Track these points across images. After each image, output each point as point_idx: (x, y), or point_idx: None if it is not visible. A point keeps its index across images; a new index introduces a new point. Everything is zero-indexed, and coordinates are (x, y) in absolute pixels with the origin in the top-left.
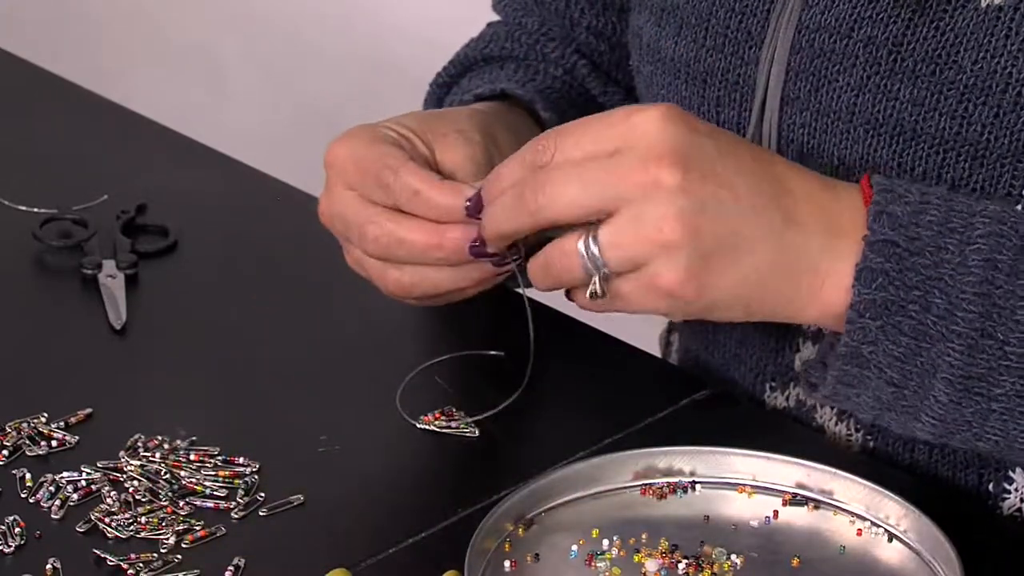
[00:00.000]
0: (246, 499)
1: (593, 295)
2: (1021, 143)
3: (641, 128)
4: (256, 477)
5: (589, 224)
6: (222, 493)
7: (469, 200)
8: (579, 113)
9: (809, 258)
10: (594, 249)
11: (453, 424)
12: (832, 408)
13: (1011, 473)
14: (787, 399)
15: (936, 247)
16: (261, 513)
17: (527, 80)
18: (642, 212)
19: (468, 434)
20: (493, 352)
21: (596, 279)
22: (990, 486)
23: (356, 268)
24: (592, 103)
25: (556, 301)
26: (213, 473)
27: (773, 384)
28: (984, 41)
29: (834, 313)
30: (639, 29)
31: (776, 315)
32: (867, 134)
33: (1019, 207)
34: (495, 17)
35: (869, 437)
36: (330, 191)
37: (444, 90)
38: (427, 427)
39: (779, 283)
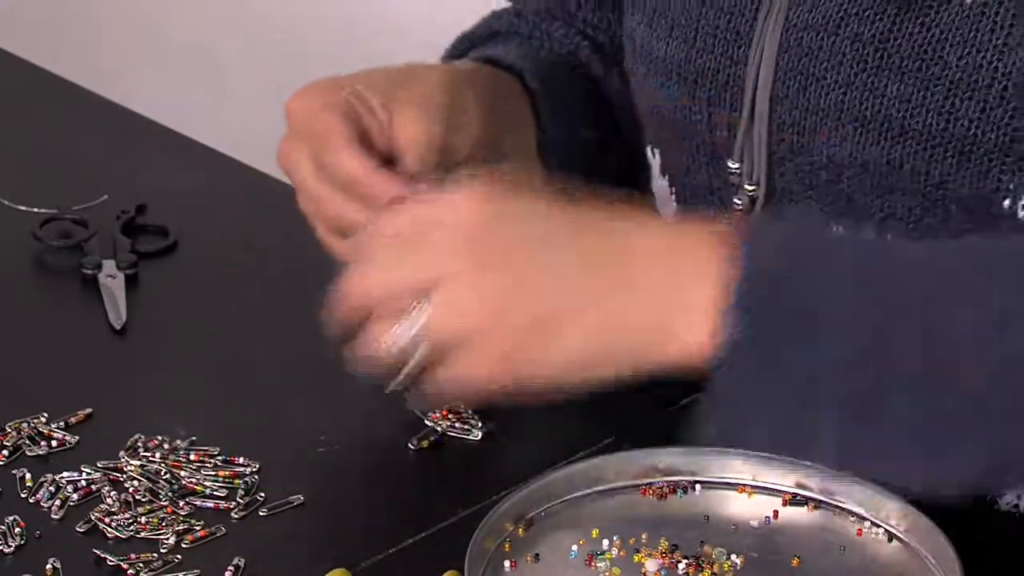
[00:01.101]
0: (246, 499)
1: (399, 384)
2: (1007, 138)
3: (450, 212)
4: (256, 477)
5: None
6: (222, 493)
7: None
8: (575, 90)
9: (652, 311)
10: (404, 336)
11: (458, 424)
12: None
13: None
14: None
15: (812, 271)
16: (261, 513)
17: (527, 55)
18: (448, 299)
19: (473, 436)
20: None
21: (406, 368)
22: None
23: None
24: (594, 83)
25: None
26: (213, 473)
27: None
28: (969, 36)
29: (705, 354)
30: (632, 31)
31: (631, 368)
32: (856, 131)
33: (1006, 203)
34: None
35: None
36: (288, 140)
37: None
38: (436, 424)
39: (617, 344)
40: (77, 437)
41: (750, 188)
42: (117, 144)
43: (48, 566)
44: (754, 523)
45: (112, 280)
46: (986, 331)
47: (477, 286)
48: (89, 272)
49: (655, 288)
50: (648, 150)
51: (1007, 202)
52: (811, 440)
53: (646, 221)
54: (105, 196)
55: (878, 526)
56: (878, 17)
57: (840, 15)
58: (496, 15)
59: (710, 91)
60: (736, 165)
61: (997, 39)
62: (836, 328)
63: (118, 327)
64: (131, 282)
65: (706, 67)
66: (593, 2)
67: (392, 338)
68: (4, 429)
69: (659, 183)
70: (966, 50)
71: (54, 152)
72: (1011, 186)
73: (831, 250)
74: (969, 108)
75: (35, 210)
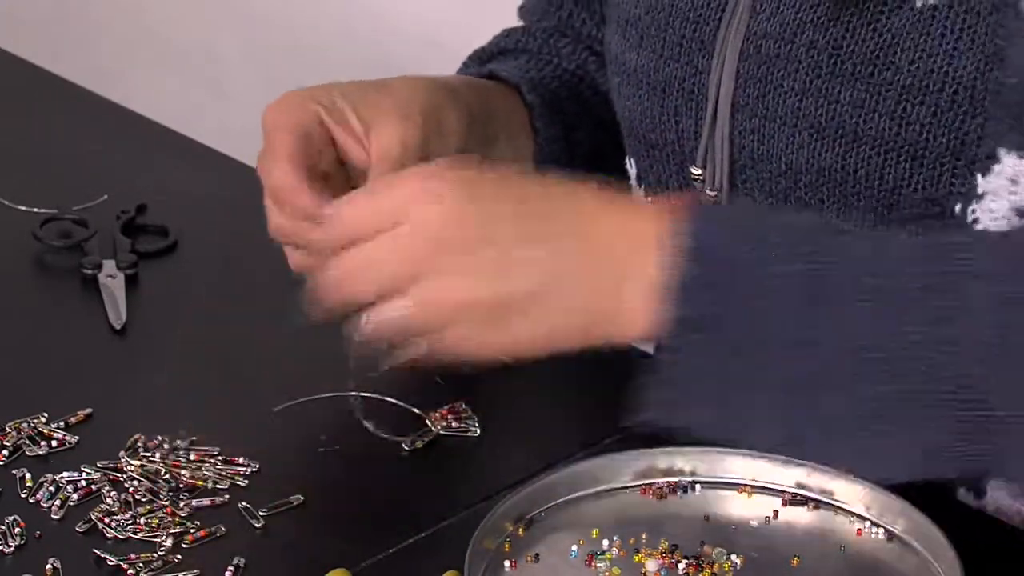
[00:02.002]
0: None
1: (388, 364)
2: (959, 142)
3: (417, 201)
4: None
5: None
6: (224, 485)
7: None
8: (581, 106)
9: (604, 291)
10: (386, 324)
11: (455, 424)
12: None
13: None
14: None
15: (759, 254)
16: (261, 513)
17: (533, 69)
18: (422, 296)
19: (470, 433)
20: None
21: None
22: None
23: None
24: (599, 96)
25: None
26: (213, 473)
27: None
28: (920, 41)
29: (654, 332)
30: (609, 43)
31: (584, 342)
32: (811, 138)
33: (958, 206)
34: (495, 16)
35: None
36: (263, 151)
37: None
38: (434, 425)
39: (571, 322)
40: (77, 437)
41: (712, 194)
42: (117, 144)
43: (48, 566)
44: (754, 523)
45: (112, 280)
46: (927, 327)
47: (447, 282)
48: (89, 272)
49: (607, 269)
50: (627, 160)
51: (958, 207)
52: (754, 421)
53: (605, 206)
54: (105, 196)
55: (878, 526)
56: (832, 24)
57: (797, 23)
58: (506, 33)
59: (677, 100)
60: (699, 171)
61: (947, 43)
62: (783, 311)
63: (118, 327)
64: (131, 282)
65: (673, 76)
66: (597, 18)
67: (373, 325)
68: (4, 429)
69: (636, 192)
70: (917, 55)
71: (54, 152)
72: (962, 190)
73: (779, 233)
74: (920, 113)
75: (35, 210)
